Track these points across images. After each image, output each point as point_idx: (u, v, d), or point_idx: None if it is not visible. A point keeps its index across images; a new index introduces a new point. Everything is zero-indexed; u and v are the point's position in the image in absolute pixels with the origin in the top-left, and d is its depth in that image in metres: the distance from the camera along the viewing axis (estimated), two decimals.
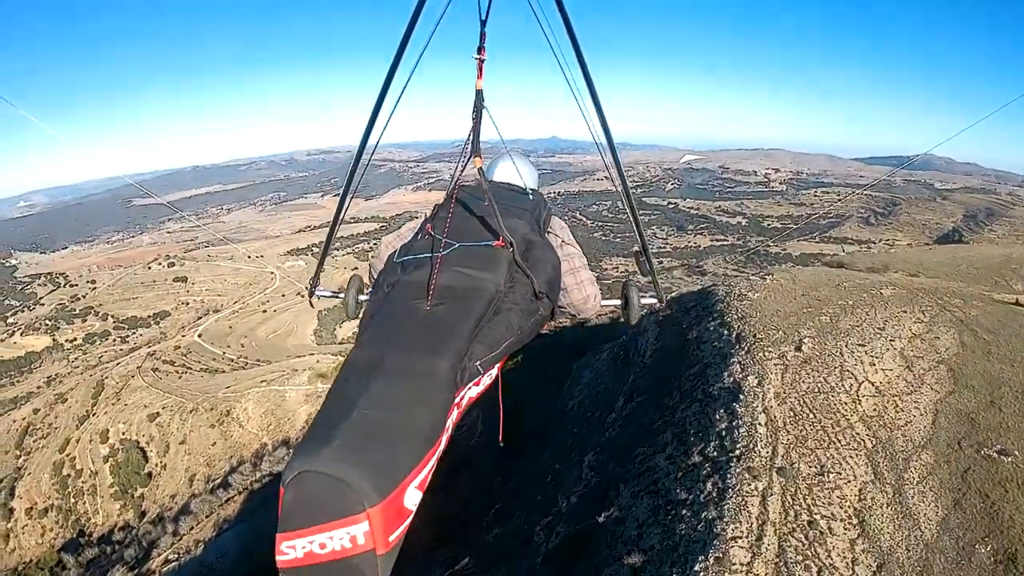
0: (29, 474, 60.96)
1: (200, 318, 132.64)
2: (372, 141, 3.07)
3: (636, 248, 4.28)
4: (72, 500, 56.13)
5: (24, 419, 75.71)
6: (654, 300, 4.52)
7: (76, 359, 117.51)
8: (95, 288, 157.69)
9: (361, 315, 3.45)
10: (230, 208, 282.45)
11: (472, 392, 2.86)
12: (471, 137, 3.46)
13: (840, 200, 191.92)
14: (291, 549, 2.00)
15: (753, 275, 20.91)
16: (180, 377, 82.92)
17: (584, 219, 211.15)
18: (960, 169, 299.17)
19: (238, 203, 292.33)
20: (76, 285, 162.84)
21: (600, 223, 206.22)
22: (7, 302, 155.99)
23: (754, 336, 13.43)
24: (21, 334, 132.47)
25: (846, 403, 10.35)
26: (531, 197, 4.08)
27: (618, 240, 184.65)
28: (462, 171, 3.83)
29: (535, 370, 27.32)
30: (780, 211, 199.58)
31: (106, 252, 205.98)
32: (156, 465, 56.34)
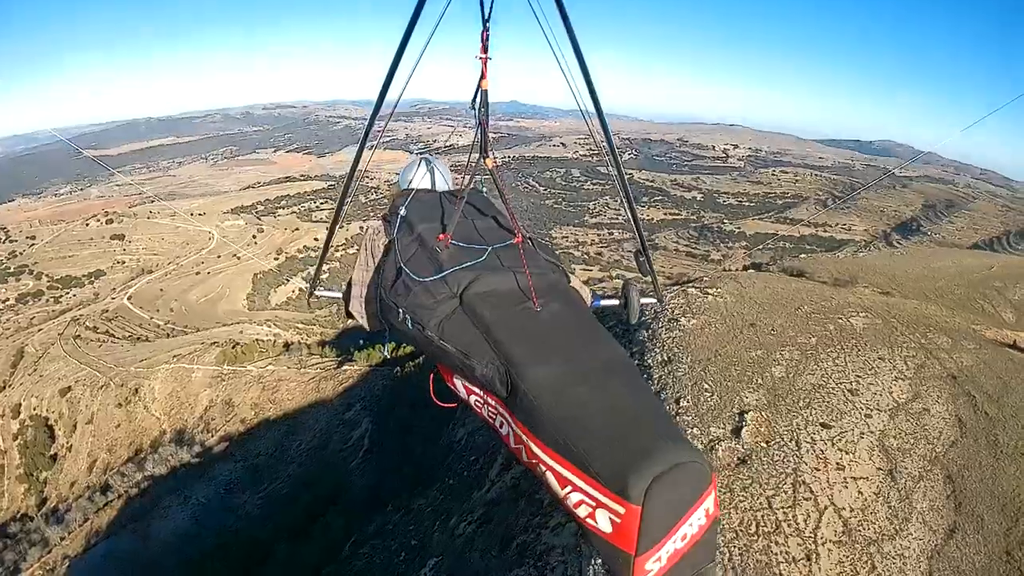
0: None
1: (133, 279, 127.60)
2: (373, 138, 3.19)
3: (635, 248, 4.08)
4: None
5: None
6: (653, 300, 4.55)
7: (7, 320, 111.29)
8: (33, 244, 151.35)
9: (438, 338, 2.88)
10: (181, 161, 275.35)
11: None
12: (478, 138, 3.52)
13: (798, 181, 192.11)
14: (656, 563, 2.03)
15: (697, 283, 17.00)
16: (100, 346, 78.18)
17: (537, 185, 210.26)
18: (920, 158, 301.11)
19: (190, 156, 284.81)
20: (15, 241, 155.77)
21: (553, 190, 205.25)
22: None
23: (676, 400, 9.66)
24: None
25: (799, 559, 6.58)
26: (483, 194, 3.88)
27: (570, 210, 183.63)
28: (472, 175, 3.70)
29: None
30: (737, 188, 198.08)
31: (52, 205, 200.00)
32: (62, 447, 52.75)
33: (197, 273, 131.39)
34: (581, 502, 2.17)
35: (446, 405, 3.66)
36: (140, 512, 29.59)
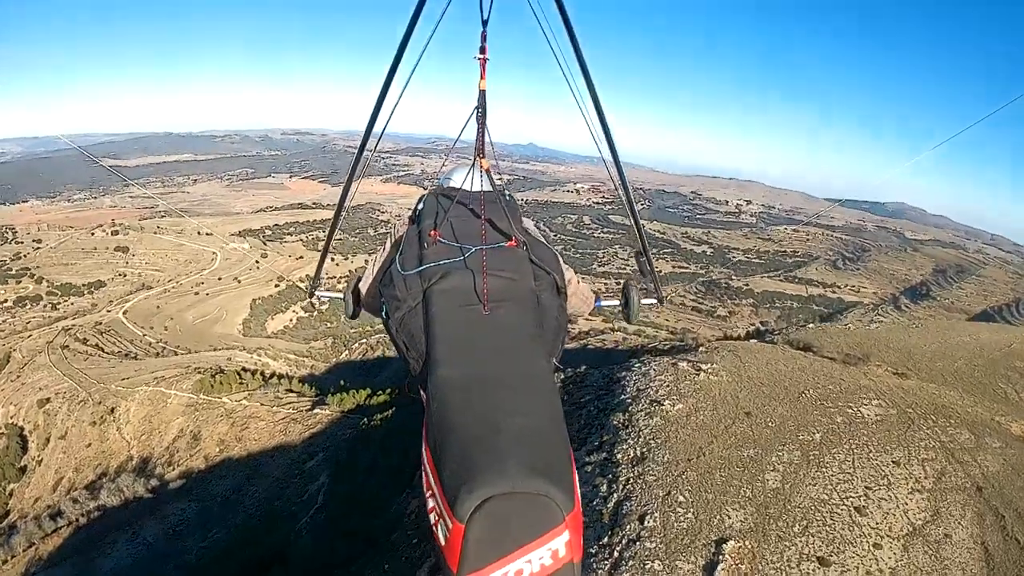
0: None
1: (131, 293, 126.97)
2: (371, 143, 3.12)
3: (636, 248, 4.04)
4: None
5: None
6: (654, 300, 4.37)
7: (4, 322, 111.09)
8: (39, 248, 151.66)
9: (395, 330, 2.87)
10: (196, 179, 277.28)
11: None
12: (477, 139, 3.43)
13: (808, 239, 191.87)
14: None
15: (691, 355, 15.27)
16: (87, 359, 76.37)
17: (547, 230, 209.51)
18: (932, 221, 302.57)
19: (206, 174, 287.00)
20: (22, 243, 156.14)
21: (563, 236, 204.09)
22: None
23: (641, 518, 7.82)
24: None
25: None
26: (507, 198, 3.67)
27: (578, 257, 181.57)
28: (471, 173, 3.76)
29: (399, 434, 23.32)
30: (747, 244, 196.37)
31: (65, 210, 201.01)
32: (32, 459, 52.08)
33: (196, 293, 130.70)
34: (433, 509, 2.03)
35: (412, 396, 3.76)
36: (86, 544, 28.39)
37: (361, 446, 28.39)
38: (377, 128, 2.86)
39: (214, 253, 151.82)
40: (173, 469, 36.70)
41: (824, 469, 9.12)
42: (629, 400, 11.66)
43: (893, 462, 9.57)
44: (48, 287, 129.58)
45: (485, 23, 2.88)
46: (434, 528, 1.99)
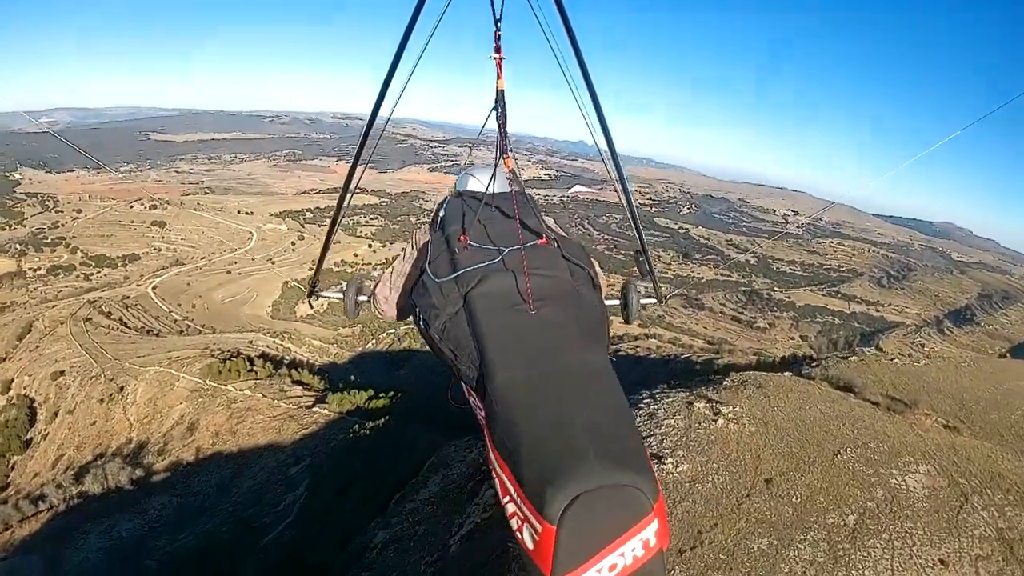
0: None
1: (163, 269, 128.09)
2: (373, 137, 3.10)
3: (636, 248, 4.16)
4: None
5: None
6: (653, 300, 4.56)
7: (35, 289, 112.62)
8: (77, 218, 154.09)
9: (439, 339, 2.93)
10: (244, 157, 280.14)
11: None
12: (498, 139, 3.49)
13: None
14: None
15: (712, 389, 13.24)
16: (107, 333, 75.60)
17: (591, 228, 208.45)
18: (978, 244, 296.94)
19: (253, 154, 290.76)
20: (62, 211, 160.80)
21: (606, 236, 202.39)
22: None
23: None
24: None
25: None
26: (527, 197, 3.84)
27: (619, 258, 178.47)
28: (494, 175, 3.71)
29: (387, 447, 21.89)
30: (792, 255, 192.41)
31: (109, 182, 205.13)
32: (39, 433, 51.24)
33: (228, 272, 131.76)
34: (514, 514, 2.10)
35: (458, 406, 3.51)
36: (61, 532, 27.52)
37: (348, 455, 27.27)
38: (381, 121, 2.84)
39: (250, 233, 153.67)
40: (164, 459, 35.87)
41: (854, 572, 7.11)
42: None
43: (940, 561, 7.46)
44: (82, 257, 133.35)
45: (497, 22, 2.82)
46: (518, 534, 2.04)
